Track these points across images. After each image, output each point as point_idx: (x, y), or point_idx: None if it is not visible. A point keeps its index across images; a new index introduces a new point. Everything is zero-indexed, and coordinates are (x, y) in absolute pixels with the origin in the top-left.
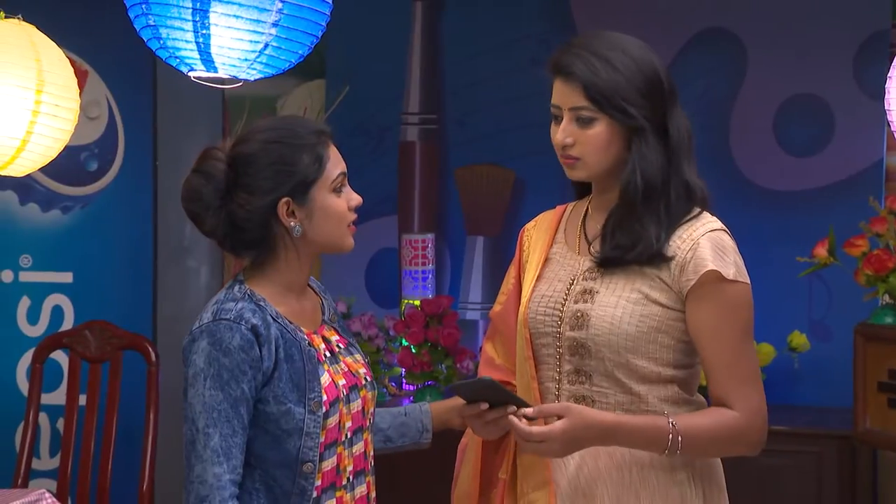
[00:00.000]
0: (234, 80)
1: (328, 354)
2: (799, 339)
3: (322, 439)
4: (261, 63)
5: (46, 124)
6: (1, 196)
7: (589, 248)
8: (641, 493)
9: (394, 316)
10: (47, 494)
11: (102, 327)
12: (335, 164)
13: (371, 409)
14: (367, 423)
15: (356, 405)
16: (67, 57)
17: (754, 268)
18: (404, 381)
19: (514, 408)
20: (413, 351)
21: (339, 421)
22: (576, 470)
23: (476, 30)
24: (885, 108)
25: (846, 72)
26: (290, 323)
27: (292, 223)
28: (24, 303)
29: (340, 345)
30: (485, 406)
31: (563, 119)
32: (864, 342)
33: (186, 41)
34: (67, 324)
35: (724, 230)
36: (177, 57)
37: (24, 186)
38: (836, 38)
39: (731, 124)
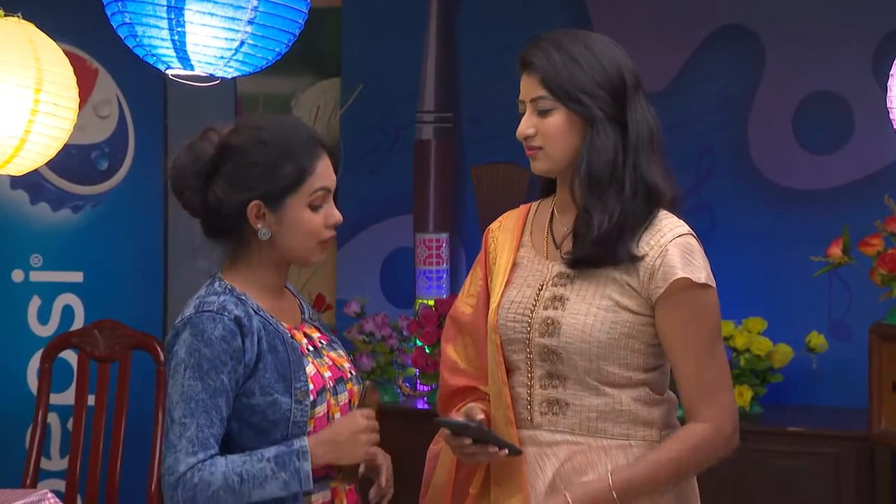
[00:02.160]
0: (212, 77)
1: (311, 349)
2: (817, 339)
3: (310, 428)
4: (237, 61)
5: (45, 123)
6: (12, 196)
7: (560, 254)
8: None
9: (408, 316)
10: (50, 495)
11: (111, 327)
12: (319, 178)
13: (357, 403)
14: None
15: (343, 398)
16: (77, 56)
17: (771, 267)
18: (418, 381)
19: (496, 448)
20: (427, 351)
21: (328, 412)
22: (553, 476)
23: (492, 27)
24: (888, 105)
25: (865, 69)
26: (272, 317)
27: (260, 226)
28: (35, 302)
29: (323, 341)
30: (468, 441)
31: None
32: (880, 342)
33: (162, 39)
34: (78, 323)
35: (692, 234)
36: (153, 55)
37: (34, 186)
38: (854, 35)
39: (749, 122)
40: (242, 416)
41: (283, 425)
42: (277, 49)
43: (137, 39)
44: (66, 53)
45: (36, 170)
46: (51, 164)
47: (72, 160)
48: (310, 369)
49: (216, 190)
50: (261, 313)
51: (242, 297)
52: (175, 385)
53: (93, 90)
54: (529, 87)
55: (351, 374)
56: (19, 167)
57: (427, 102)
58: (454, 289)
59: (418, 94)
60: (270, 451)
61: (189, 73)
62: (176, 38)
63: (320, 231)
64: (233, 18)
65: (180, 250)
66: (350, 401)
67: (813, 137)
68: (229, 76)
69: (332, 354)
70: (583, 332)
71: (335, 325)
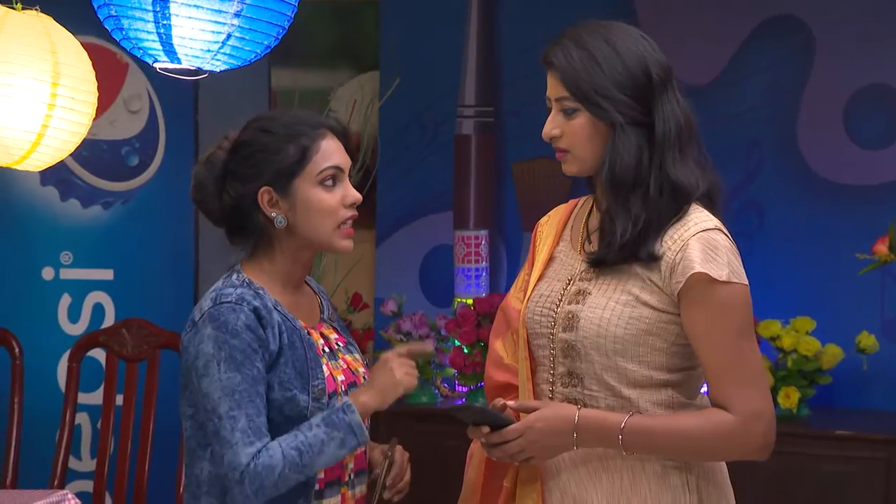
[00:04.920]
0: (200, 71)
1: (327, 350)
2: (868, 339)
3: None
4: (224, 54)
5: (62, 118)
6: (42, 192)
7: (589, 248)
8: (633, 500)
9: (447, 315)
10: (70, 496)
11: (139, 325)
12: (325, 157)
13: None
14: (366, 423)
15: None
16: (107, 50)
17: (821, 265)
18: (456, 382)
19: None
20: (465, 351)
21: None
22: (567, 476)
23: (534, 19)
24: None
25: None
26: (289, 314)
27: (274, 214)
28: (65, 300)
29: (339, 343)
30: (486, 430)
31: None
32: None
33: (148, 32)
34: (108, 322)
35: (719, 229)
36: (140, 48)
37: (64, 182)
38: None
39: (798, 116)
40: None
41: (297, 422)
42: (266, 42)
43: (124, 32)
44: (96, 48)
45: (66, 166)
46: (81, 160)
47: (102, 156)
48: (324, 370)
49: (229, 189)
50: (279, 308)
51: (260, 292)
52: (212, 381)
53: (123, 85)
54: (553, 87)
55: (365, 379)
56: (37, 162)
57: (467, 96)
58: (494, 287)
59: (458, 88)
60: (316, 419)
61: (177, 66)
62: (162, 31)
63: (336, 211)
64: (219, 11)
65: (211, 247)
66: None
67: (865, 131)
68: (217, 70)
69: (348, 358)
70: (599, 327)
71: (373, 324)
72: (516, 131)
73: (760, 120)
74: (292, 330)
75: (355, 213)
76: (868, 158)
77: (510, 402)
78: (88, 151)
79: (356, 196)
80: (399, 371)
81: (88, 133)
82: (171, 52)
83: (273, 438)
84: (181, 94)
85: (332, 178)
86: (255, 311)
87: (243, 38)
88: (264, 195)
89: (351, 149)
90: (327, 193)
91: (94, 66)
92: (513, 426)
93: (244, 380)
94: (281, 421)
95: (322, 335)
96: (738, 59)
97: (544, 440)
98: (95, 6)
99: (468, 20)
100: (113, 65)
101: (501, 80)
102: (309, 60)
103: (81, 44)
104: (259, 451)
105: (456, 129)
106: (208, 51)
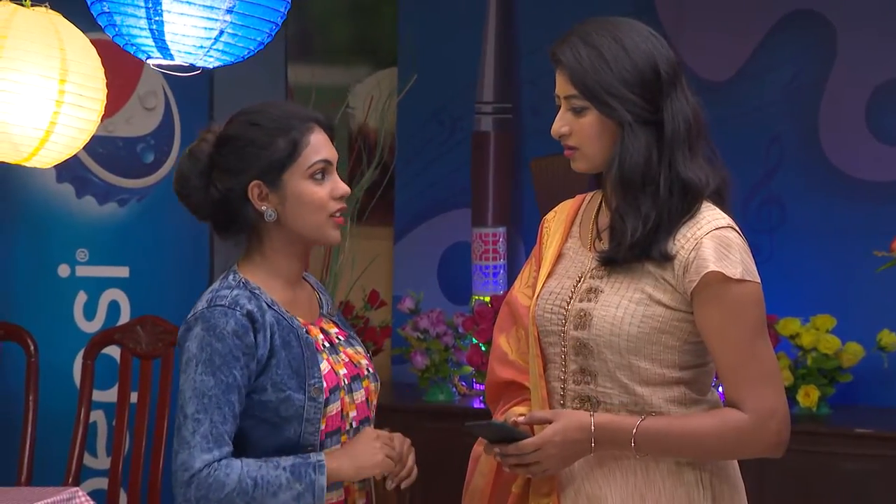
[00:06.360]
0: (193, 67)
1: (327, 345)
2: (889, 337)
3: (323, 426)
4: (217, 50)
5: (70, 115)
6: (58, 189)
7: (601, 246)
8: (647, 496)
9: (464, 312)
10: (80, 493)
11: (153, 323)
12: (315, 151)
13: (374, 401)
14: (372, 415)
15: (360, 395)
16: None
17: (842, 262)
18: (474, 380)
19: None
20: (482, 349)
21: (342, 410)
22: (581, 476)
23: (553, 15)
24: None
25: None
26: (286, 312)
27: (264, 207)
28: (81, 298)
29: (340, 336)
30: (507, 445)
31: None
32: None
33: (140, 28)
34: (124, 319)
35: (732, 227)
36: (133, 44)
37: (80, 179)
38: None
39: (820, 111)
40: (254, 412)
41: (295, 421)
42: (259, 38)
43: (117, 29)
44: (111, 45)
45: (81, 163)
46: (97, 157)
47: (118, 153)
48: (324, 366)
49: (217, 183)
50: (275, 307)
51: (256, 292)
52: (187, 380)
53: (138, 82)
54: (562, 84)
55: (368, 371)
56: (45, 160)
57: (486, 93)
58: (511, 284)
59: (476, 85)
60: (287, 461)
61: (170, 62)
62: (154, 27)
63: (326, 203)
64: (211, 7)
65: (227, 245)
66: (367, 399)
67: (886, 127)
68: (211, 66)
69: (350, 351)
70: (612, 325)
71: (390, 322)
72: (534, 128)
73: (781, 115)
74: (289, 329)
75: (344, 205)
76: (889, 154)
77: (520, 418)
78: (104, 148)
79: (345, 189)
80: (381, 453)
81: (104, 130)
82: (163, 48)
83: (270, 437)
84: (196, 90)
85: (321, 171)
86: (248, 315)
87: (236, 35)
88: (254, 189)
89: (333, 139)
90: (317, 187)
91: (110, 63)
92: (530, 440)
93: (217, 385)
94: (277, 422)
95: (322, 330)
96: (759, 54)
97: (562, 452)
98: (88, 2)
99: (487, 16)
100: (128, 62)
101: (520, 76)
102: (326, 57)
103: (97, 41)
104: (217, 462)
105: (474, 126)
106: (201, 47)
